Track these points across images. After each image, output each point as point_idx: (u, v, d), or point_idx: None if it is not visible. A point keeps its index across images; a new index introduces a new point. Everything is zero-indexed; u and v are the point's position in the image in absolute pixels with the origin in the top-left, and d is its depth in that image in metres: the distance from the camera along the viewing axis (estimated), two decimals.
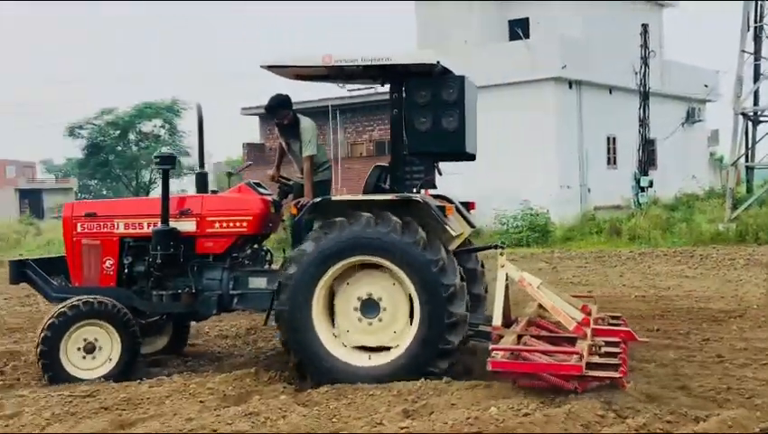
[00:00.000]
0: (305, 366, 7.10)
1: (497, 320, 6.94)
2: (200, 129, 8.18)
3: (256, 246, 8.33)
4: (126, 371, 7.53)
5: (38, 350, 7.39)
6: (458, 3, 29.61)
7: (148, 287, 8.02)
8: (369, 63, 7.29)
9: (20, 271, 8.12)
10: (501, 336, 6.78)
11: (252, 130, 34.15)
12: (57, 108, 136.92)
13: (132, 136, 49.24)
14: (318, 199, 7.33)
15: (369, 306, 7.19)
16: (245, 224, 8.00)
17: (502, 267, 7.37)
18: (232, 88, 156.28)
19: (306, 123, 7.83)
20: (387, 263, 7.00)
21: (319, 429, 5.64)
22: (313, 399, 6.51)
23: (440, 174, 7.72)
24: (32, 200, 62.29)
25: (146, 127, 49.09)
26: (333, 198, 7.38)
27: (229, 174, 8.43)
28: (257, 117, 35.50)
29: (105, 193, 58.92)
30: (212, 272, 8.00)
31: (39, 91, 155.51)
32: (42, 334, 7.37)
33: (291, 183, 8.37)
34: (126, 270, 8.09)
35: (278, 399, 6.48)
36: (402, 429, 5.48)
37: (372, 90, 27.11)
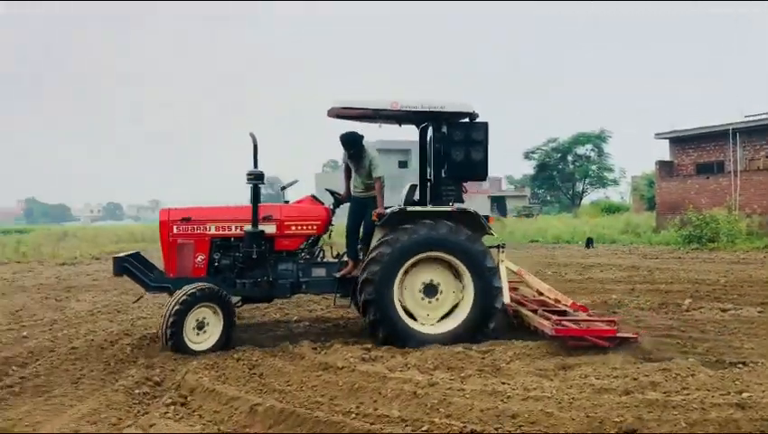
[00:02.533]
0: (392, 337, 9.35)
1: (506, 298, 9.74)
2: (254, 153, 10.15)
3: (314, 243, 10.47)
4: (226, 343, 9.38)
5: (167, 324, 8.99)
6: None
7: (233, 276, 9.94)
8: (427, 109, 9.76)
9: (122, 265, 9.71)
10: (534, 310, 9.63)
11: (663, 150, 40.63)
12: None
13: (569, 158, 69.69)
14: (396, 209, 9.70)
15: (430, 289, 9.68)
16: (314, 227, 10.18)
17: (502, 262, 10.15)
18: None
19: (374, 152, 10.07)
20: (447, 256, 9.53)
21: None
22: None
23: (465, 191, 10.32)
24: (499, 204, 77.41)
25: (580, 150, 69.33)
26: (408, 209, 9.76)
27: (283, 188, 10.51)
28: (667, 141, 39.72)
29: (548, 198, 77.27)
30: (286, 264, 10.09)
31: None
32: (172, 312, 9.02)
33: (338, 196, 10.57)
34: (215, 264, 9.94)
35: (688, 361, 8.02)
36: None
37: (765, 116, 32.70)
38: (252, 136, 9.93)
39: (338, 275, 10.05)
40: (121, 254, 9.97)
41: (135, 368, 8.29)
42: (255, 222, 9.86)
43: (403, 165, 65.32)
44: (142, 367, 8.32)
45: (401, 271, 9.50)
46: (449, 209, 9.78)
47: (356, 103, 9.77)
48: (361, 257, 10.10)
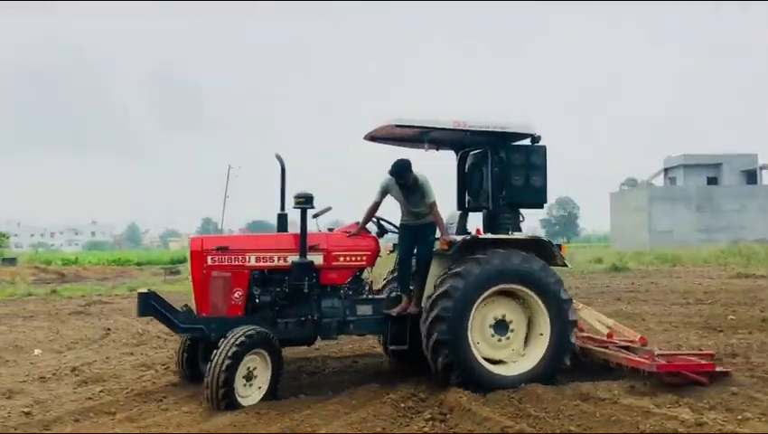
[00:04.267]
0: (468, 382, 8.28)
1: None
2: (282, 176, 9.00)
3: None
4: (272, 395, 8.05)
5: (217, 381, 7.59)
6: None
7: (273, 315, 8.64)
8: (494, 129, 8.94)
9: (147, 304, 8.21)
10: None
11: None
12: None
13: None
14: (468, 237, 8.73)
15: (501, 326, 8.74)
16: (363, 259, 9.04)
17: None
18: None
19: (425, 177, 9.09)
20: (521, 288, 8.64)
21: None
22: None
23: (523, 219, 9.49)
24: None
25: None
26: (480, 237, 8.81)
27: (315, 215, 9.29)
28: None
29: None
30: (331, 300, 8.90)
31: None
32: (221, 366, 7.61)
33: (390, 226, 9.48)
34: (255, 300, 8.60)
35: None
36: None
37: None
38: (279, 157, 8.78)
39: (393, 313, 8.94)
40: (143, 290, 8.46)
41: (405, 384, 8.67)
42: (303, 252, 8.64)
43: None
44: (411, 383, 8.68)
45: (475, 307, 8.53)
46: (522, 237, 8.95)
47: (415, 121, 8.82)
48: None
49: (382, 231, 9.46)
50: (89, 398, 8.50)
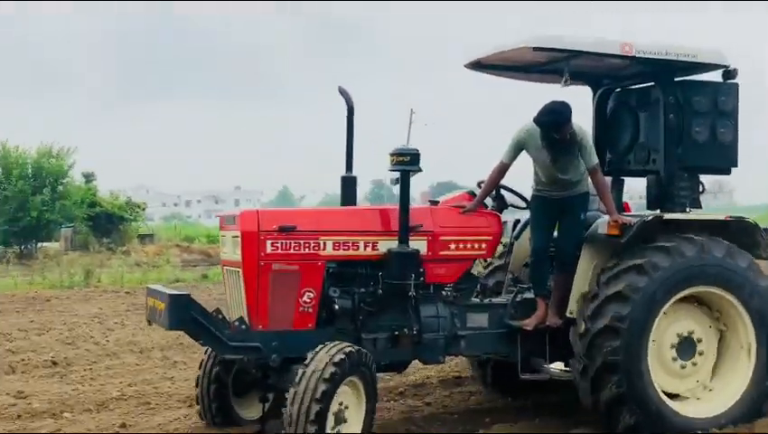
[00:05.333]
0: (643, 425, 5.72)
1: None
2: (349, 120, 6.26)
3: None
4: None
5: (307, 417, 5.04)
6: None
7: (356, 327, 5.93)
8: (674, 58, 6.18)
9: (182, 311, 5.44)
10: None
11: None
12: None
13: None
14: (649, 216, 6.00)
15: (687, 346, 6.08)
16: (483, 246, 6.31)
17: None
18: None
19: (583, 130, 6.31)
20: (723, 293, 6.00)
21: None
22: None
23: (703, 190, 6.76)
24: None
25: None
26: (666, 216, 6.07)
27: (398, 180, 6.52)
28: None
29: None
30: (435, 306, 6.16)
31: None
32: (314, 395, 5.07)
33: (501, 194, 6.72)
34: (333, 306, 5.88)
35: None
36: None
37: None
38: (343, 92, 6.22)
39: (527, 325, 6.22)
40: (173, 291, 5.69)
41: None
42: (404, 235, 5.89)
43: None
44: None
45: (659, 316, 5.87)
46: (721, 218, 6.23)
47: (565, 43, 6.04)
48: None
49: (501, 205, 6.70)
50: None
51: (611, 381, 5.75)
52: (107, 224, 30.74)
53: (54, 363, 9.05)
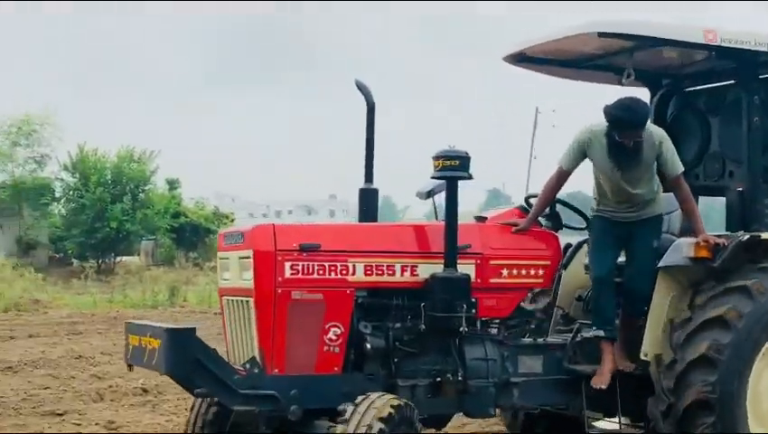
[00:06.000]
0: None
1: None
2: (369, 120, 5.23)
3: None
4: None
5: None
6: None
7: (390, 372, 4.84)
8: (763, 49, 5.24)
9: (185, 351, 4.31)
10: None
11: None
12: None
13: None
14: (746, 236, 4.99)
15: None
16: (540, 273, 5.25)
17: None
18: None
19: (663, 134, 5.31)
20: None
21: None
22: None
23: None
24: None
25: None
26: (765, 236, 5.06)
27: (430, 194, 5.46)
28: None
29: None
30: (484, 347, 5.07)
31: None
32: None
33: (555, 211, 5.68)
34: (365, 345, 4.78)
35: None
36: None
37: None
38: (361, 86, 5.26)
39: (602, 384, 5.12)
40: (171, 325, 4.57)
41: None
42: (452, 258, 4.82)
43: None
44: None
45: (763, 351, 4.89)
46: None
47: (633, 27, 5.10)
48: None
49: (557, 224, 5.65)
50: None
51: (703, 422, 4.73)
52: (192, 237, 28.12)
53: (145, 391, 8.63)
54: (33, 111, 27.11)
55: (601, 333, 5.19)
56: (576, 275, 5.86)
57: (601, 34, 5.11)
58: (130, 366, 4.88)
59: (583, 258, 5.83)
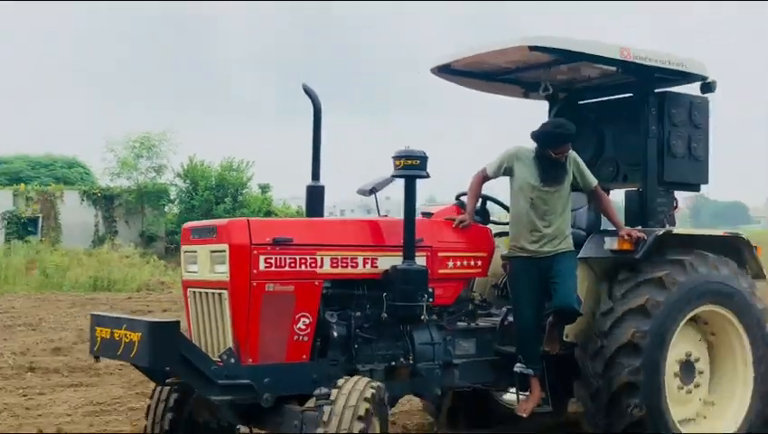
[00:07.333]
0: None
1: None
2: (316, 120, 5.52)
3: None
4: None
5: None
6: None
7: (350, 357, 5.09)
8: (666, 66, 5.93)
9: (171, 345, 4.33)
10: None
11: None
12: None
13: None
14: (661, 231, 5.61)
15: (688, 370, 5.79)
16: (479, 264, 5.65)
17: None
18: None
19: (573, 152, 5.78)
20: (723, 312, 5.77)
21: None
22: None
23: (676, 205, 6.53)
24: None
25: None
26: (675, 231, 5.72)
27: (372, 190, 5.73)
28: None
29: None
30: (428, 332, 5.41)
31: None
32: None
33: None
34: (332, 333, 4.98)
35: None
36: None
37: None
38: (308, 90, 5.47)
39: (524, 412, 5.64)
40: (152, 319, 4.56)
41: None
42: (410, 250, 5.12)
43: None
44: None
45: (675, 336, 5.53)
46: (720, 233, 6.04)
47: (562, 42, 5.60)
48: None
49: (485, 218, 6.08)
50: None
51: (630, 403, 5.31)
52: None
53: None
54: (153, 129, 32.41)
55: (530, 371, 5.57)
56: (492, 264, 6.29)
57: (532, 48, 5.57)
58: (97, 358, 4.80)
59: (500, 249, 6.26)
